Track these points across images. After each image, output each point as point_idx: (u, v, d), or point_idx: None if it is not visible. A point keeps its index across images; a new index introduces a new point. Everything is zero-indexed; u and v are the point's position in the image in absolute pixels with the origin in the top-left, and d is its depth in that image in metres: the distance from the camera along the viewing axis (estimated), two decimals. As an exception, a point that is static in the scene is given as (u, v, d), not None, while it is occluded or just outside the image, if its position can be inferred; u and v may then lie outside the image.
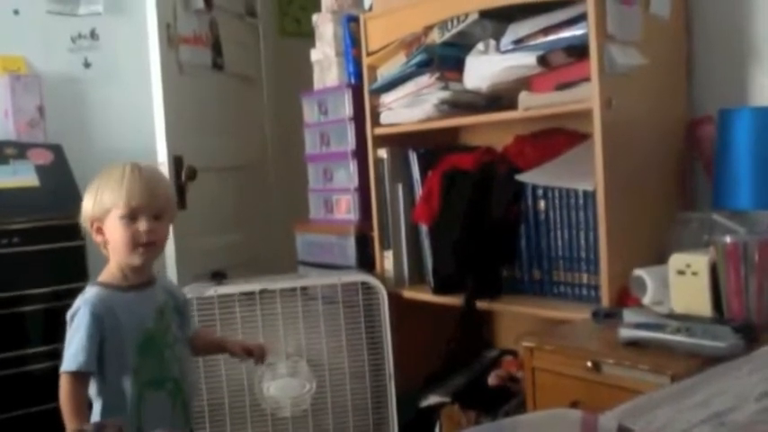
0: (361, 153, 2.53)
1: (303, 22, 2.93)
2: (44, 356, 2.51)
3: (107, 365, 1.53)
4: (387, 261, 2.46)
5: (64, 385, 1.51)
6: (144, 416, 1.55)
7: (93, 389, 1.55)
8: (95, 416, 1.55)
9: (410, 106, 2.33)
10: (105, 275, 1.60)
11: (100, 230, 1.57)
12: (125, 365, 1.54)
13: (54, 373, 2.47)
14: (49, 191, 2.64)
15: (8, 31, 2.94)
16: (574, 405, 1.46)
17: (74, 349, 1.49)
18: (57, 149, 2.79)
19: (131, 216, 1.53)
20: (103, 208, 1.55)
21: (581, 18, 1.85)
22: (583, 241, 1.94)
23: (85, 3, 3.08)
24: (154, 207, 1.56)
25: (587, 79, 1.83)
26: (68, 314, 1.55)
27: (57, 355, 2.47)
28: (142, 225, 1.53)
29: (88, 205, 1.58)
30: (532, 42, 1.99)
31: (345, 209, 2.62)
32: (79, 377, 1.50)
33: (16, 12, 2.96)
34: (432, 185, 2.26)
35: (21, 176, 2.64)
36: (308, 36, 2.80)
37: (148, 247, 1.56)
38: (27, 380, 2.48)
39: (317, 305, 2.33)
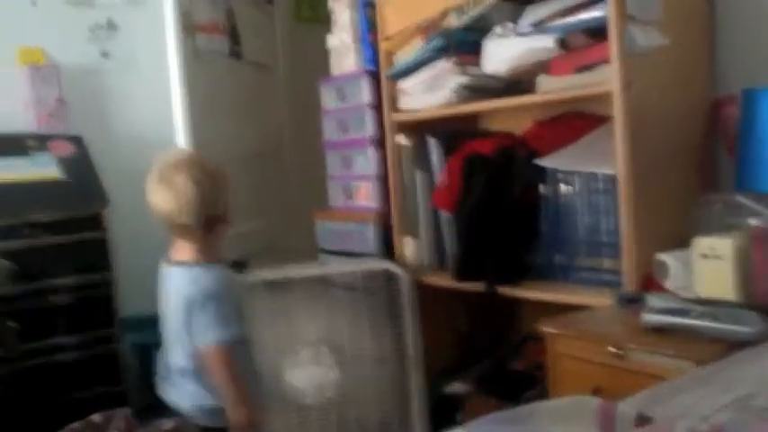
0: (380, 139, 2.52)
1: (319, 8, 2.91)
2: (70, 347, 2.54)
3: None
4: (407, 248, 2.45)
5: (223, 355, 1.64)
6: (257, 369, 1.80)
7: None
8: None
9: (428, 91, 2.32)
10: (211, 257, 1.74)
11: (225, 217, 1.76)
12: (246, 328, 1.74)
13: (80, 364, 2.53)
14: (70, 182, 2.66)
15: (26, 23, 2.95)
16: (596, 392, 1.45)
17: (230, 319, 1.66)
18: (77, 141, 2.81)
19: None
20: (226, 207, 1.75)
21: (600, -1, 1.82)
22: (605, 226, 1.92)
23: (104, -7, 3.08)
24: None
25: (607, 61, 1.80)
26: (205, 290, 1.66)
27: (83, 346, 2.54)
28: None
29: (211, 201, 1.71)
30: (551, 24, 1.97)
31: (365, 196, 2.61)
32: (233, 345, 1.66)
33: (34, 3, 2.97)
34: (452, 171, 2.24)
35: (42, 168, 2.66)
36: (325, 22, 2.79)
37: None
38: (54, 370, 2.51)
39: (338, 293, 2.34)
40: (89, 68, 3.05)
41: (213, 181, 1.71)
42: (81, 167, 2.72)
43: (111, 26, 3.09)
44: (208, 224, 1.71)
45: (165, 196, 1.68)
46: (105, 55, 3.08)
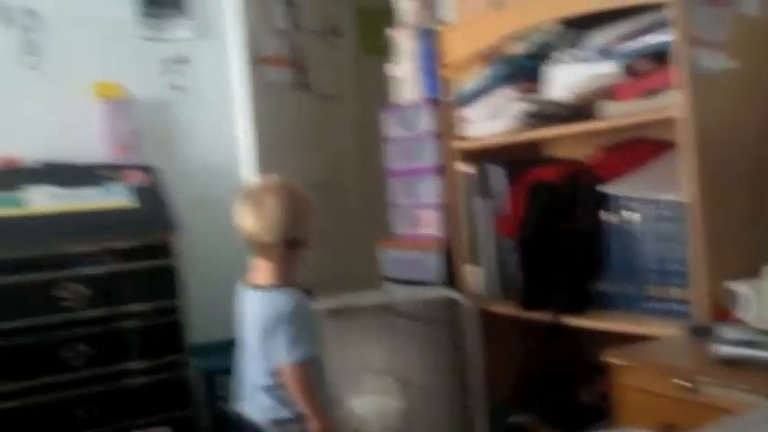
0: (443, 167, 2.52)
1: (385, 38, 2.95)
2: (141, 371, 2.60)
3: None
4: (472, 276, 2.43)
5: (300, 372, 1.73)
6: (328, 387, 1.86)
7: None
8: None
9: (491, 119, 2.31)
10: (287, 280, 1.80)
11: (306, 243, 1.81)
12: (320, 349, 1.83)
13: (148, 388, 2.58)
14: (142, 210, 2.74)
15: (103, 58, 3.07)
16: (665, 426, 1.41)
17: (308, 340, 1.75)
18: (149, 170, 2.89)
19: None
20: (308, 234, 1.81)
21: (665, 23, 1.79)
22: (673, 254, 1.87)
23: (175, 28, 3.19)
24: None
25: (673, 86, 1.77)
26: (285, 313, 1.74)
27: (152, 371, 2.60)
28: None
29: (292, 225, 1.77)
30: (615, 50, 1.95)
31: (428, 224, 2.61)
32: (310, 364, 1.74)
33: (111, 39, 3.09)
34: (516, 198, 2.23)
35: (116, 197, 2.75)
36: (390, 53, 2.82)
37: None
38: (126, 394, 2.57)
39: (403, 322, 2.33)
40: (161, 101, 3.16)
41: (299, 204, 1.79)
42: (153, 196, 2.81)
43: (182, 60, 3.19)
44: (289, 246, 1.77)
45: (253, 216, 1.76)
46: (176, 88, 3.17)
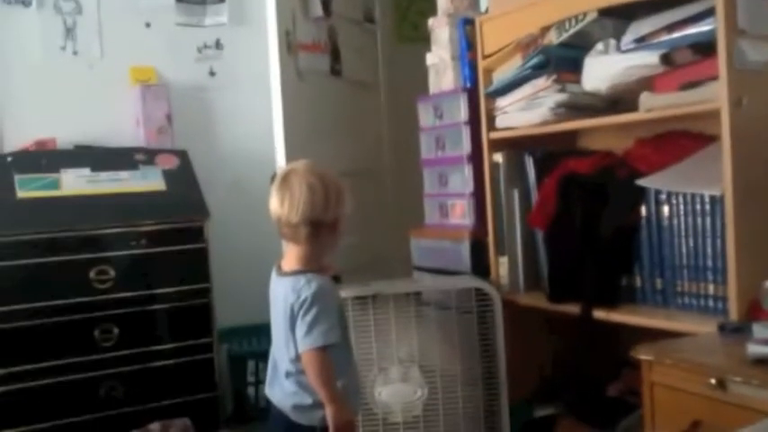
0: (476, 157, 2.49)
1: (421, 27, 2.93)
2: (169, 353, 2.63)
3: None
4: (502, 267, 2.41)
5: (319, 358, 1.72)
6: (352, 375, 1.87)
7: None
8: None
9: (526, 109, 2.28)
10: (314, 265, 1.80)
11: (334, 228, 1.79)
12: (345, 335, 1.84)
13: (178, 370, 2.61)
14: (175, 194, 2.77)
15: (140, 43, 3.10)
16: (695, 424, 1.38)
17: (327, 326, 1.73)
18: (183, 155, 2.91)
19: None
20: (344, 211, 1.80)
21: (708, 13, 1.74)
22: (709, 249, 1.83)
23: (211, 14, 3.21)
24: None
25: (715, 78, 1.72)
26: (303, 299, 1.73)
27: (181, 353, 2.62)
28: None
29: (320, 208, 1.76)
30: (655, 40, 1.90)
31: (460, 214, 2.59)
32: (329, 350, 1.73)
33: (148, 25, 3.11)
34: (548, 190, 2.19)
35: (149, 181, 2.78)
36: (426, 41, 2.79)
37: None
38: (154, 375, 2.60)
39: (430, 310, 2.32)
40: (196, 86, 3.18)
41: (326, 188, 1.77)
42: (185, 181, 2.83)
43: (217, 46, 3.20)
44: (315, 228, 1.76)
45: (279, 197, 1.77)
46: (211, 73, 3.19)
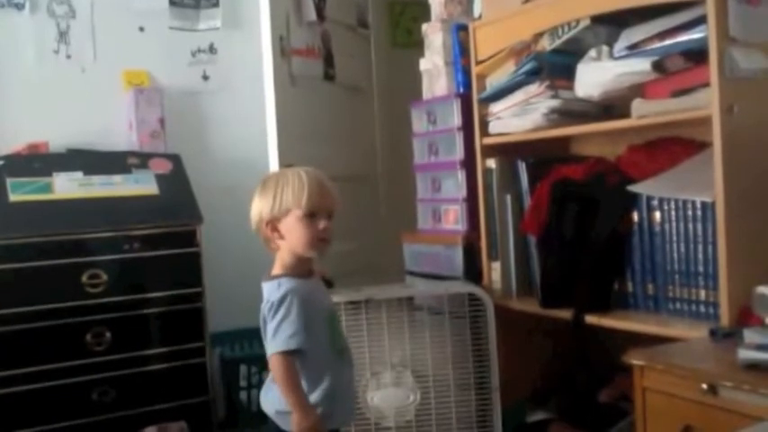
0: (469, 163, 2.50)
1: (414, 32, 2.94)
2: (162, 357, 2.62)
3: (310, 342, 1.71)
4: (494, 272, 2.42)
5: (282, 364, 1.68)
6: (336, 382, 1.75)
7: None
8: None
9: (519, 115, 2.29)
10: (286, 268, 1.75)
11: (275, 228, 1.73)
12: (322, 340, 1.74)
13: (171, 374, 2.60)
14: (167, 199, 2.76)
15: (133, 47, 3.10)
16: (687, 429, 1.38)
17: (290, 331, 1.67)
18: (175, 159, 2.91)
19: (311, 216, 1.71)
20: (284, 208, 1.71)
21: (700, 21, 1.76)
22: (701, 255, 1.84)
23: (205, 18, 3.21)
24: (329, 208, 1.75)
25: (706, 85, 1.74)
26: (270, 304, 1.70)
27: (174, 356, 2.62)
28: (321, 224, 1.72)
29: (266, 206, 1.72)
30: (648, 47, 1.92)
31: (453, 219, 2.60)
32: (295, 355, 1.68)
33: (141, 29, 3.11)
34: (541, 196, 2.20)
35: (142, 185, 2.77)
36: (419, 46, 2.80)
37: (325, 243, 1.74)
38: (146, 380, 2.59)
39: (422, 315, 2.32)
40: (189, 90, 3.18)
41: (264, 184, 1.74)
42: (178, 185, 2.82)
43: (211, 50, 3.20)
44: (270, 230, 1.73)
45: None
46: (205, 78, 3.19)
